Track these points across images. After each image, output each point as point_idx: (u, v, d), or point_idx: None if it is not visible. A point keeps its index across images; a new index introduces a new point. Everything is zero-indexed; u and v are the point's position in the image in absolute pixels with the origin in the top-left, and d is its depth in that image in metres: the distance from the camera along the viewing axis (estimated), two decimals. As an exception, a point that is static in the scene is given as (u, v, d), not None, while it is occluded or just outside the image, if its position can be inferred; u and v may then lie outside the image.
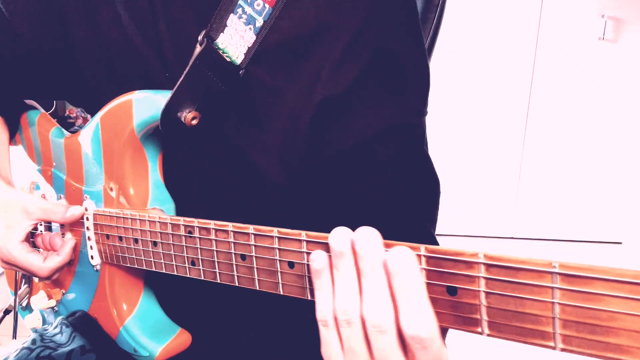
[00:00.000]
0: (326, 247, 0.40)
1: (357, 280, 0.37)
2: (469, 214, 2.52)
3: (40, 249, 0.68)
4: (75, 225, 0.67)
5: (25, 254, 0.63)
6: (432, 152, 0.62)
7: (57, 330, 0.68)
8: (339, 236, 0.37)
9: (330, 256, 0.38)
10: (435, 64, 0.60)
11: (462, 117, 2.40)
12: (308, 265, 0.42)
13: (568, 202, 2.46)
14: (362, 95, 0.56)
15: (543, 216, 2.50)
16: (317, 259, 0.39)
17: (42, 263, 0.64)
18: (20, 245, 0.63)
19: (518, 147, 2.41)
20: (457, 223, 2.50)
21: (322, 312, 0.39)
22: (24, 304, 0.81)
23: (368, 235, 0.36)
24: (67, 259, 0.65)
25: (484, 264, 0.33)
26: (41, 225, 0.71)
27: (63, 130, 0.70)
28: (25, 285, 0.80)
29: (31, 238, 0.70)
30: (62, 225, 0.69)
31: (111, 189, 0.61)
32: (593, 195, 2.44)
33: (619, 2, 2.15)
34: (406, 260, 0.35)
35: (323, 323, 0.38)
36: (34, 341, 0.66)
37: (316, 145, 0.57)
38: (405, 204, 0.57)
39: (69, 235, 0.68)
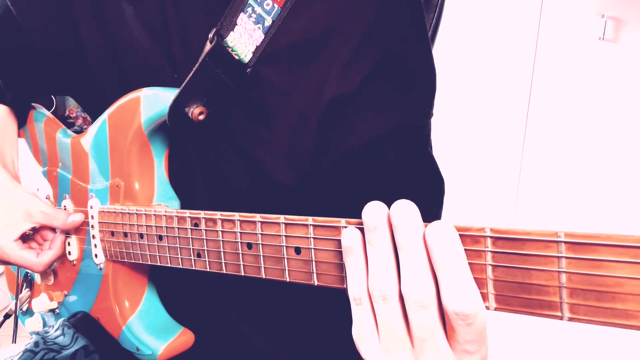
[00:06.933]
0: (334, 231, 0.41)
1: (393, 255, 0.36)
2: (469, 213, 2.50)
3: (33, 244, 0.68)
4: (80, 224, 0.67)
5: (18, 251, 0.64)
6: (433, 151, 0.63)
7: (59, 332, 0.68)
8: (373, 210, 0.36)
9: (362, 233, 0.37)
10: (435, 63, 0.61)
11: (462, 117, 2.41)
12: (315, 250, 0.42)
13: (568, 202, 2.45)
14: (370, 95, 0.57)
15: (543, 215, 2.49)
16: (348, 235, 0.37)
17: (35, 258, 0.64)
18: (14, 243, 0.63)
19: (518, 147, 2.41)
20: (457, 222, 2.49)
21: (355, 289, 0.37)
22: (24, 308, 0.80)
23: (406, 208, 0.35)
24: (59, 252, 0.67)
25: (491, 237, 0.33)
26: None
27: (69, 131, 0.71)
28: (27, 289, 0.80)
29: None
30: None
31: (117, 186, 0.62)
32: (593, 195, 2.43)
33: (619, 2, 2.18)
34: (448, 233, 0.33)
35: (357, 301, 0.37)
36: (36, 344, 0.66)
37: (324, 146, 0.58)
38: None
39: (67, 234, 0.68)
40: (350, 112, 0.57)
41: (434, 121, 0.63)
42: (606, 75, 2.26)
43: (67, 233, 0.68)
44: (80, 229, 0.67)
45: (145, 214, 0.57)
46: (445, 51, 2.17)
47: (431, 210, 0.60)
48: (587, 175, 2.43)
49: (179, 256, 0.54)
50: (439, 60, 0.62)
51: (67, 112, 2.04)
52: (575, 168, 2.43)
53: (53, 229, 0.68)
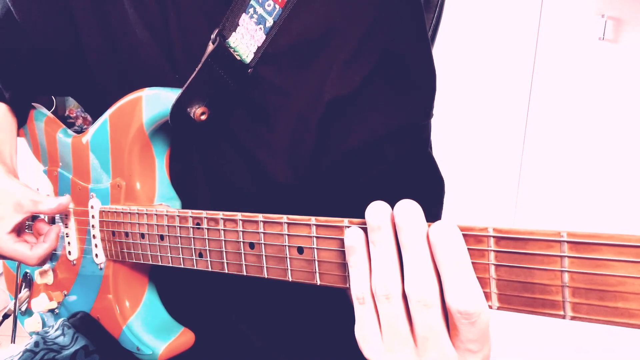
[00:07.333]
0: (337, 231, 0.41)
1: (397, 254, 0.36)
2: (469, 213, 2.51)
3: (28, 237, 0.68)
4: (81, 224, 0.67)
5: (12, 244, 0.63)
6: (433, 151, 0.63)
7: (59, 332, 0.68)
8: (376, 210, 0.36)
9: (365, 233, 0.37)
10: (435, 63, 0.62)
11: (462, 117, 2.41)
12: (317, 249, 0.42)
13: (568, 202, 2.45)
14: (370, 96, 0.57)
15: (543, 216, 2.49)
16: (351, 235, 0.37)
17: (29, 251, 0.63)
18: (7, 236, 0.63)
19: (518, 147, 2.42)
20: (459, 222, 2.49)
21: (359, 289, 0.37)
22: (23, 309, 0.80)
23: (409, 208, 0.35)
24: (53, 245, 0.66)
25: (494, 237, 0.34)
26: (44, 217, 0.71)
27: (69, 130, 0.71)
28: (26, 289, 0.80)
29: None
30: (66, 225, 0.69)
31: (118, 186, 0.62)
32: (593, 195, 2.43)
33: (619, 2, 2.19)
34: (451, 233, 0.34)
35: (360, 300, 0.37)
36: (36, 344, 0.66)
37: (324, 146, 0.58)
38: None
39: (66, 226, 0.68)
40: (350, 112, 0.57)
41: (434, 121, 0.63)
42: (606, 75, 2.27)
43: (65, 226, 0.68)
44: (80, 229, 0.67)
45: (146, 214, 0.57)
46: (445, 51, 2.18)
47: (431, 211, 0.61)
48: (587, 175, 2.44)
49: (181, 256, 0.54)
50: (439, 60, 0.62)
51: (67, 112, 2.04)
52: (576, 168, 2.44)
53: (49, 223, 0.68)
